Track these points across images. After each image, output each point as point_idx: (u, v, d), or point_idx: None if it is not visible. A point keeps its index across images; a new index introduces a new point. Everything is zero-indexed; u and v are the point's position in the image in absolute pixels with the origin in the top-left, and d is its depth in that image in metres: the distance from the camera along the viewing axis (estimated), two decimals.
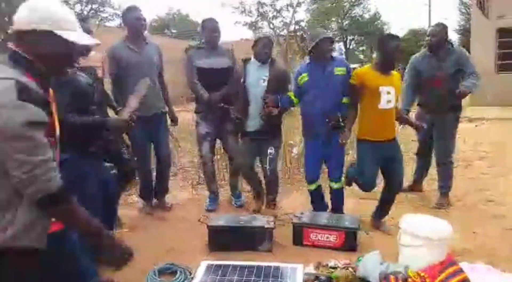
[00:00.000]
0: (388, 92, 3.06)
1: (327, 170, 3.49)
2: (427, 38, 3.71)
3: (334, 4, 27.89)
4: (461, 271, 2.29)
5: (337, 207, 3.46)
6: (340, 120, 3.20)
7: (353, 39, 36.13)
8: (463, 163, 5.46)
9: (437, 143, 3.88)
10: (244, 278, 2.43)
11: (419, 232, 2.46)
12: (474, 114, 9.62)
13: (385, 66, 3.10)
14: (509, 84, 10.18)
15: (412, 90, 3.89)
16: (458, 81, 3.61)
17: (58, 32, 1.36)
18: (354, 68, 3.47)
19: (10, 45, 1.35)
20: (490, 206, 3.79)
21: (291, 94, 3.40)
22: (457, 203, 3.90)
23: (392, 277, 2.25)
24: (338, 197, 3.44)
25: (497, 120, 9.05)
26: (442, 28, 3.67)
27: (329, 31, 27.18)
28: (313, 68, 3.26)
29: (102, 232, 1.46)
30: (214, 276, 2.44)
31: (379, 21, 35.53)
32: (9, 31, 1.39)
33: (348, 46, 35.88)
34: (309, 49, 3.29)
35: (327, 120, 3.20)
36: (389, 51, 3.04)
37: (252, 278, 2.43)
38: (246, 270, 2.50)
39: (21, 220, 1.31)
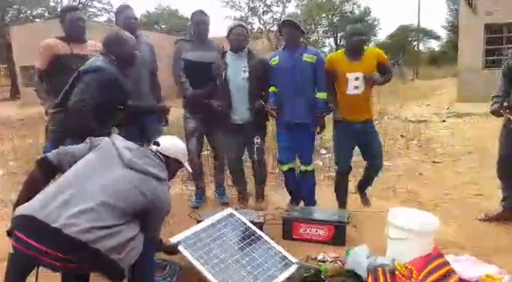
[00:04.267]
0: (356, 78, 3.15)
1: (297, 155, 3.52)
2: None
3: (324, 0, 27.95)
4: (447, 263, 2.33)
5: (308, 192, 3.52)
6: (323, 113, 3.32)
7: (343, 35, 36.22)
8: (451, 157, 5.53)
9: None
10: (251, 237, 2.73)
11: (407, 225, 2.49)
12: (462, 109, 9.74)
13: (351, 54, 3.20)
14: (496, 80, 10.27)
15: (508, 83, 3.19)
16: None
17: (184, 164, 2.25)
18: None
19: (162, 158, 2.11)
20: (477, 200, 3.85)
21: (272, 89, 3.39)
22: (444, 196, 3.96)
23: (379, 269, 2.28)
24: (308, 180, 3.49)
25: (484, 115, 9.15)
26: None
27: (319, 26, 27.21)
28: (284, 53, 3.36)
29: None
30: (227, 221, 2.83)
31: (369, 17, 35.70)
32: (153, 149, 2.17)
33: (338, 42, 35.96)
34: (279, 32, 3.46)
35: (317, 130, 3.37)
36: (348, 34, 3.18)
37: (256, 243, 2.68)
38: (255, 235, 2.76)
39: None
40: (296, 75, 3.26)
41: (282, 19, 3.33)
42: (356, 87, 3.17)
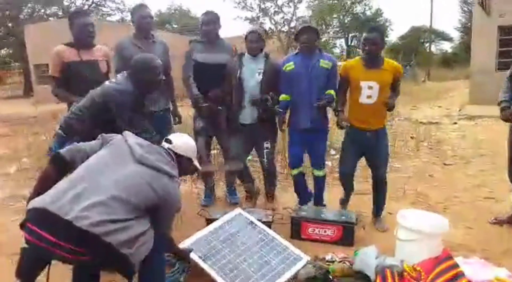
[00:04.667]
0: (370, 87, 3.10)
1: (310, 158, 3.54)
2: None
3: (335, 1, 27.85)
4: (456, 265, 2.32)
5: (318, 195, 3.57)
6: (328, 101, 3.28)
7: (354, 36, 36.03)
8: (462, 160, 5.49)
9: None
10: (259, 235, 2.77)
11: (416, 226, 2.49)
12: (474, 111, 9.64)
13: (367, 61, 3.14)
14: None
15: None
16: None
17: (194, 162, 2.28)
18: None
19: (173, 156, 2.12)
20: (487, 202, 3.81)
21: (284, 97, 3.39)
22: (455, 199, 3.93)
23: (388, 270, 2.28)
24: (320, 184, 3.53)
25: (496, 118, 9.05)
26: None
27: (330, 27, 27.16)
28: (300, 58, 3.33)
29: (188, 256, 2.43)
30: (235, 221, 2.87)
31: (381, 18, 35.47)
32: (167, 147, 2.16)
33: (349, 43, 35.80)
34: (294, 38, 3.43)
35: (316, 104, 3.24)
36: (362, 43, 3.13)
37: (264, 241, 2.71)
38: (263, 233, 2.80)
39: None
40: (312, 80, 3.27)
41: (300, 27, 3.28)
42: (369, 97, 3.11)
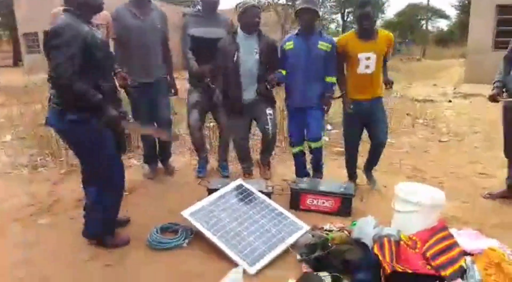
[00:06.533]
0: (368, 58, 3.17)
1: (307, 133, 3.54)
2: None
3: None
4: (451, 236, 2.39)
5: (316, 164, 3.61)
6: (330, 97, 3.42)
7: (351, 11, 35.54)
8: (457, 137, 5.56)
9: None
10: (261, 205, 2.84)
11: (414, 198, 2.55)
12: (470, 90, 9.69)
13: (361, 33, 3.20)
14: None
15: (507, 64, 3.24)
16: None
17: None
18: None
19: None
20: (481, 178, 3.89)
21: (282, 72, 3.41)
22: (450, 174, 4.00)
23: (385, 238, 2.34)
24: (317, 154, 3.56)
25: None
26: None
27: (326, 1, 26.71)
28: (299, 38, 3.35)
29: None
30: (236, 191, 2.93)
31: None
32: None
33: (345, 18, 35.31)
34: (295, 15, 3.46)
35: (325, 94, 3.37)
36: (358, 18, 3.17)
37: (265, 211, 2.78)
38: (263, 203, 2.86)
39: None
40: (310, 61, 3.29)
41: (300, 7, 3.24)
42: (367, 67, 3.19)
